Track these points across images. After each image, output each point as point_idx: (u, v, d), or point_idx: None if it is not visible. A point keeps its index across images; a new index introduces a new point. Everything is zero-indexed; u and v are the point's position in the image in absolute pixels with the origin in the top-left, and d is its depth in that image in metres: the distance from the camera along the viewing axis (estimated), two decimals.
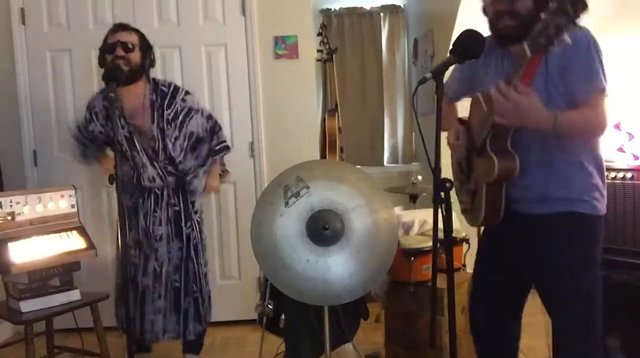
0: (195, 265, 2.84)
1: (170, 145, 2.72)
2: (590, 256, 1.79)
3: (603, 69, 1.69)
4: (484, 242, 2.06)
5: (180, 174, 2.77)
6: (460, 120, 1.98)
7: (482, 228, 2.12)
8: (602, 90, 1.68)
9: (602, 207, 1.80)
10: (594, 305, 1.78)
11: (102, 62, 2.69)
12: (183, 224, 2.80)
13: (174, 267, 2.78)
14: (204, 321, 2.88)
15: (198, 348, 2.98)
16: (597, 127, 1.71)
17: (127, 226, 2.67)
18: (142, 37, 2.72)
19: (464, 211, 2.00)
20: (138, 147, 2.72)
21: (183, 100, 2.76)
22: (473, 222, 1.97)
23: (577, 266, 1.77)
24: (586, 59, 1.68)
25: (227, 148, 2.89)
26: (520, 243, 1.86)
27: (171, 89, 2.75)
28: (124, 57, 2.60)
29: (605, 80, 1.69)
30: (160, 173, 2.74)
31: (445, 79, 1.69)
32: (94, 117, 2.79)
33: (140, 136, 2.71)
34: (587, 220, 1.78)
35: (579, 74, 1.68)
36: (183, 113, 2.74)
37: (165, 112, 2.70)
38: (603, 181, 1.81)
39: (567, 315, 1.80)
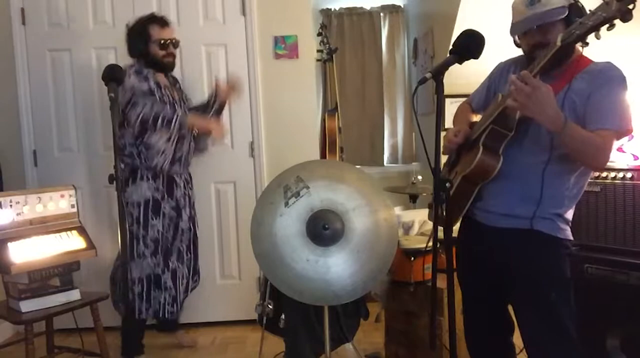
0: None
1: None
2: (551, 271, 1.78)
3: (624, 113, 1.66)
4: (458, 255, 2.05)
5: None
6: (471, 126, 1.99)
7: None
8: (615, 131, 1.66)
9: (565, 234, 1.80)
10: (560, 318, 1.76)
11: (144, 50, 2.88)
12: (194, 209, 3.18)
13: (193, 221, 3.14)
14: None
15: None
16: (598, 155, 1.66)
17: (162, 212, 2.93)
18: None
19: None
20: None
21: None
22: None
23: (536, 279, 1.77)
24: (611, 95, 1.66)
25: None
26: (488, 254, 1.87)
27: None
28: (172, 55, 2.94)
29: (623, 124, 1.66)
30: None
31: (445, 79, 1.69)
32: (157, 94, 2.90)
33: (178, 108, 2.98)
34: (547, 238, 1.77)
35: (600, 106, 1.66)
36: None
37: (181, 89, 3.13)
38: (570, 216, 1.82)
39: (535, 325, 1.80)
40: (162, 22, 2.93)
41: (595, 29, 1.50)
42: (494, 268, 1.86)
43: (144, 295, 2.89)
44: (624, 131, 1.68)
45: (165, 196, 2.93)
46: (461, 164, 1.88)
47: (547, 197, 1.76)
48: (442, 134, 1.69)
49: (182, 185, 3.02)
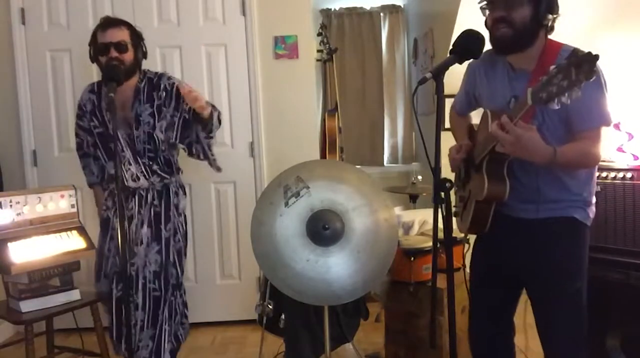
0: (176, 272, 2.65)
1: (160, 132, 2.61)
2: (580, 259, 1.82)
3: (605, 107, 1.70)
4: (476, 250, 2.06)
5: (164, 174, 2.66)
6: (470, 132, 1.99)
7: None
8: (601, 126, 1.70)
9: (590, 219, 1.84)
10: (581, 306, 1.81)
11: (94, 59, 2.60)
12: (163, 226, 2.63)
13: (152, 273, 2.58)
14: (178, 338, 2.70)
15: None
16: (591, 160, 1.73)
17: (110, 233, 2.63)
18: (132, 30, 2.62)
19: (455, 214, 2.02)
20: (123, 143, 2.59)
21: (169, 78, 2.69)
22: (460, 228, 2.01)
23: (568, 268, 1.80)
24: (590, 95, 1.66)
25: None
26: (513, 246, 1.88)
27: (157, 75, 2.69)
28: (118, 59, 2.52)
29: (607, 116, 1.70)
30: (145, 170, 2.61)
31: (445, 79, 1.69)
32: (83, 112, 2.70)
33: (126, 128, 2.60)
34: (579, 225, 1.81)
35: (582, 107, 1.66)
36: (174, 90, 2.63)
37: (154, 96, 2.62)
38: (593, 198, 1.85)
39: (556, 316, 1.82)
40: (105, 23, 2.58)
41: (561, 94, 1.44)
42: (517, 261, 1.87)
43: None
44: (609, 123, 1.72)
45: (114, 221, 2.60)
46: (472, 186, 1.89)
47: (571, 190, 1.79)
48: (442, 133, 1.69)
49: (135, 204, 2.62)
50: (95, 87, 2.71)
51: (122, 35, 2.56)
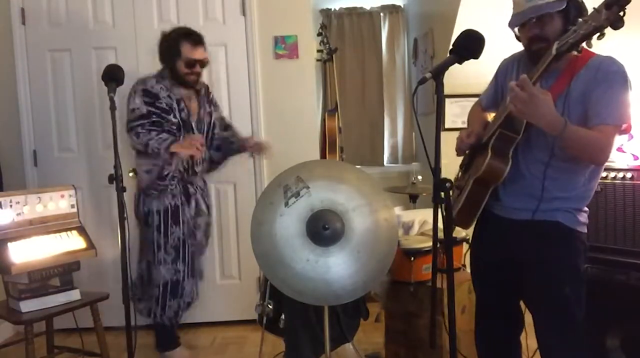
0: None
1: (214, 126, 3.10)
2: (569, 265, 1.80)
3: (623, 108, 1.68)
4: (473, 251, 2.06)
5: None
6: (485, 126, 1.99)
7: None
8: (616, 126, 1.68)
9: (582, 227, 1.83)
10: (572, 313, 1.79)
11: (168, 61, 2.90)
12: (208, 199, 3.18)
13: (207, 237, 3.19)
14: None
15: None
16: (599, 152, 1.69)
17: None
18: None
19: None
20: (195, 131, 2.97)
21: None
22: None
23: (554, 272, 1.79)
24: (611, 91, 1.67)
25: None
26: (504, 249, 1.88)
27: (207, 86, 3.17)
28: (199, 74, 2.96)
29: (623, 119, 1.68)
30: (205, 156, 3.05)
31: (445, 79, 1.69)
32: (164, 103, 2.90)
33: (194, 119, 2.98)
34: (567, 231, 1.80)
35: (600, 102, 1.68)
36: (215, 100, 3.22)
37: (210, 97, 3.14)
38: (584, 204, 1.85)
39: (548, 320, 1.81)
40: (195, 40, 2.92)
41: (587, 37, 1.51)
42: (511, 262, 1.86)
43: (160, 300, 2.94)
44: (624, 126, 1.70)
45: (185, 204, 2.97)
46: (473, 168, 1.90)
47: (565, 191, 1.78)
48: (442, 133, 1.69)
49: (197, 194, 3.07)
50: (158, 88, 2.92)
51: (206, 54, 2.98)
